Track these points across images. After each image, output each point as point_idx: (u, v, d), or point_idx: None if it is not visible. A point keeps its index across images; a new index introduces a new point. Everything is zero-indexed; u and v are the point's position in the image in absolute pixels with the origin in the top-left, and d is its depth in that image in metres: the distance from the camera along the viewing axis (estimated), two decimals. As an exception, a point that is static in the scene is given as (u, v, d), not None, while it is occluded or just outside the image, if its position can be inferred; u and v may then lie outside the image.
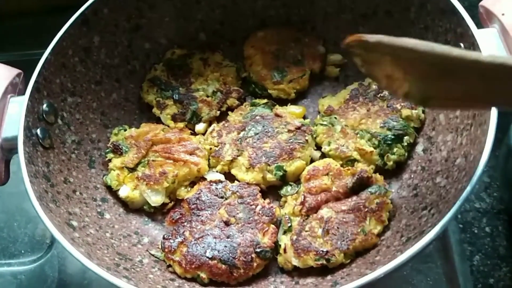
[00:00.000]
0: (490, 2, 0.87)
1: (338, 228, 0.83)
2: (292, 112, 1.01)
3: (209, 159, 0.98)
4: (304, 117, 1.02)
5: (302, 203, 0.87)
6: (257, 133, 0.97)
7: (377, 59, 0.65)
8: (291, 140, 0.95)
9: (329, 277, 0.80)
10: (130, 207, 0.95)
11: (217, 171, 0.97)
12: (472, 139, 0.78)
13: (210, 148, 0.98)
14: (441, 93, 0.62)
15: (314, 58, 1.06)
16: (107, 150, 0.98)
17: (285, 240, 0.85)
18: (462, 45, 0.82)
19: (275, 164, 0.92)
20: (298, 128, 0.97)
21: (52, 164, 0.86)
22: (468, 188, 0.68)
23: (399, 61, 0.62)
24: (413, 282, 0.93)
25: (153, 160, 0.96)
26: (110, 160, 0.97)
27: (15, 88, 0.90)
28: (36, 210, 0.75)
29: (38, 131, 0.85)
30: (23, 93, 0.86)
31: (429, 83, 0.61)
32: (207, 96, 1.04)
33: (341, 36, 1.03)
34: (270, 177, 0.92)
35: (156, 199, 0.93)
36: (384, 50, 0.62)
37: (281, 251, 0.84)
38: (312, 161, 0.95)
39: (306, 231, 0.84)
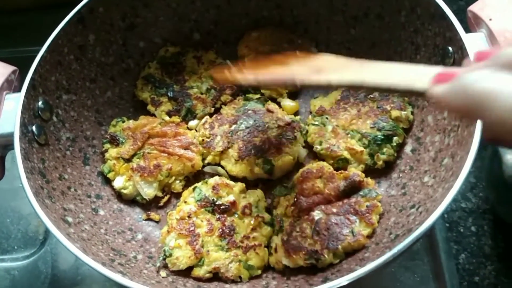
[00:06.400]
0: (478, 7, 0.89)
1: (328, 229, 0.84)
2: (286, 106, 1.03)
3: (200, 149, 1.00)
4: (296, 114, 1.04)
5: (295, 204, 0.88)
6: (248, 127, 0.99)
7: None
8: (281, 136, 0.97)
9: (319, 274, 0.82)
10: (124, 198, 0.96)
11: (208, 162, 0.99)
12: (459, 140, 0.80)
13: (202, 140, 1.00)
14: None
15: (307, 59, 1.08)
16: (104, 141, 0.99)
17: (276, 241, 0.86)
18: (450, 49, 0.85)
19: (263, 158, 0.94)
20: (288, 124, 0.98)
21: (47, 160, 0.87)
22: (455, 187, 0.70)
23: None
24: (401, 278, 0.95)
25: (148, 153, 0.97)
26: (106, 151, 0.98)
27: (11, 85, 0.90)
28: (33, 206, 0.75)
29: (34, 127, 0.85)
30: (19, 90, 0.87)
31: None
32: (201, 94, 1.05)
33: (333, 38, 1.08)
34: (257, 170, 0.94)
35: (149, 191, 0.95)
36: None
37: (272, 251, 0.86)
38: (298, 158, 0.97)
39: (297, 232, 0.85)
